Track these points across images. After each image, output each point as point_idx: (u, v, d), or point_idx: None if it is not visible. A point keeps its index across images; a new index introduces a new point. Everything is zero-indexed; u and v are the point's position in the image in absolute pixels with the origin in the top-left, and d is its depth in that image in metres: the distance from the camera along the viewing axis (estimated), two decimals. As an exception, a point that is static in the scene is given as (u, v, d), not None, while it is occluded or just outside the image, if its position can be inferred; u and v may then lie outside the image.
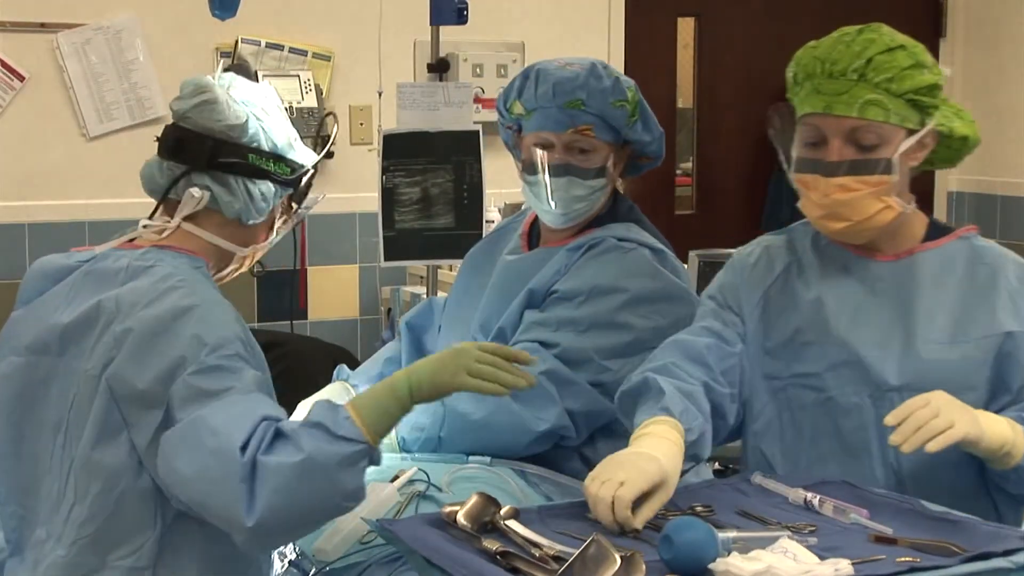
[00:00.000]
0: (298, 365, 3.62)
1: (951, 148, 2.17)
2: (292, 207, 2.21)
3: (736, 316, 2.24)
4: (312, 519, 1.87)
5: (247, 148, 2.08)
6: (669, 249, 2.59)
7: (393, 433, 2.47)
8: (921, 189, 6.10)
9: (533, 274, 2.55)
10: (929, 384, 1.98)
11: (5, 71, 4.14)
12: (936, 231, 2.19)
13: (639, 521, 1.80)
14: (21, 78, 4.17)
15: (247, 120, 2.09)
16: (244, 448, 1.77)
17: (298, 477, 1.77)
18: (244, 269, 2.24)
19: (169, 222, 2.09)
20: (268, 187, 2.11)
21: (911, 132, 2.09)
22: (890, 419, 1.90)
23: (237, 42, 4.35)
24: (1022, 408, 2.02)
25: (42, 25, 4.19)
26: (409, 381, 1.92)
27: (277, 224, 2.20)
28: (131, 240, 2.12)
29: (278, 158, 2.12)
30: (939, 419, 1.87)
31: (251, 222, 2.12)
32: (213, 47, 4.36)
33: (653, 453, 1.90)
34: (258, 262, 4.29)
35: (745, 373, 2.20)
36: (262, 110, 2.13)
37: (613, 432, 2.49)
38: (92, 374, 1.95)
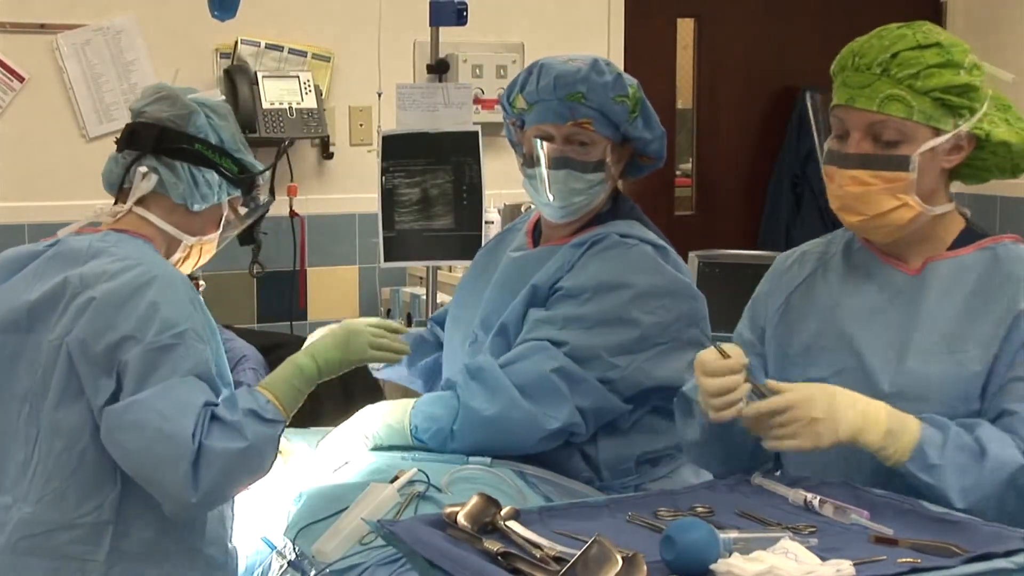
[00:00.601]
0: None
1: (997, 155, 2.11)
2: (240, 211, 2.34)
3: (756, 336, 2.26)
4: (239, 490, 2.14)
5: (194, 138, 2.23)
6: (670, 247, 2.60)
7: (406, 420, 2.49)
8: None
9: (536, 270, 2.56)
10: (919, 394, 1.99)
11: (5, 72, 4.14)
12: (968, 237, 2.13)
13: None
14: (21, 79, 4.17)
15: (195, 112, 2.24)
16: (193, 435, 1.99)
17: (241, 460, 2.04)
18: (191, 263, 2.33)
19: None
20: (213, 176, 2.24)
21: (940, 132, 2.05)
22: (748, 411, 1.98)
23: (237, 43, 4.35)
24: (960, 421, 1.98)
25: (42, 26, 4.19)
26: (316, 362, 2.21)
27: (223, 225, 2.31)
28: (91, 225, 2.26)
29: (225, 153, 2.26)
30: (785, 428, 1.95)
31: (196, 207, 2.24)
32: (213, 48, 4.36)
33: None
34: (257, 262, 4.31)
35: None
36: (212, 111, 2.27)
37: (617, 429, 2.50)
38: (55, 344, 2.08)
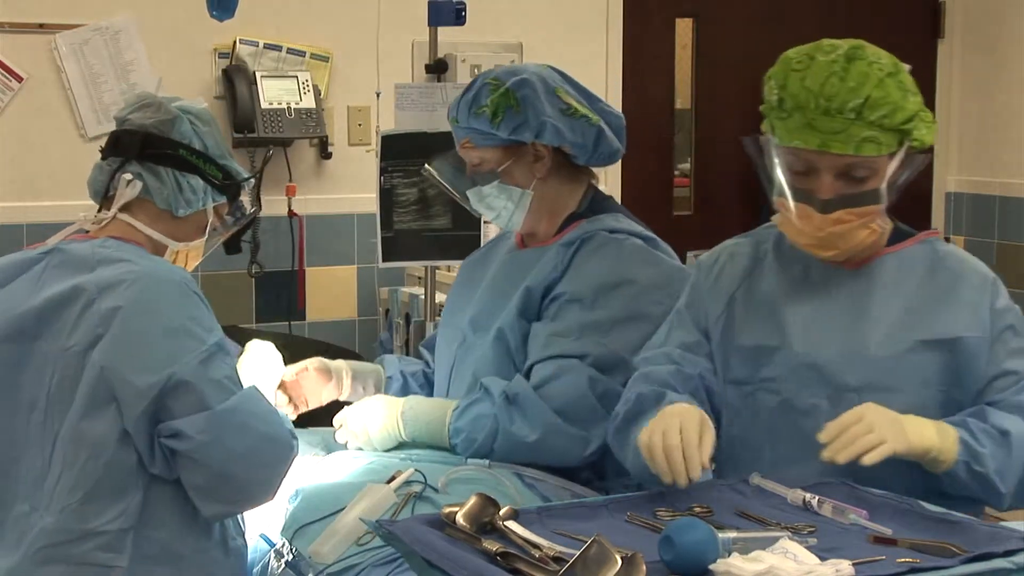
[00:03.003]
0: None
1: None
2: (225, 219, 2.35)
3: (702, 335, 2.28)
4: None
5: (178, 143, 2.23)
6: (655, 235, 2.61)
7: (445, 432, 2.50)
8: (919, 190, 6.04)
9: (527, 271, 2.55)
10: (888, 384, 2.05)
11: (3, 72, 4.14)
12: (899, 235, 2.21)
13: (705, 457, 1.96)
14: (19, 79, 4.16)
15: (178, 118, 2.24)
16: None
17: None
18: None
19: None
20: (197, 182, 2.25)
21: (894, 155, 2.10)
22: (823, 436, 1.97)
23: (235, 43, 4.34)
24: (969, 413, 2.06)
25: (40, 26, 4.18)
26: None
27: (208, 232, 2.32)
28: (80, 232, 2.25)
29: (208, 159, 2.26)
30: (872, 435, 1.94)
31: (181, 213, 2.24)
32: (211, 48, 4.36)
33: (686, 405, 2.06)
34: (256, 262, 4.30)
35: (714, 384, 2.24)
36: (196, 117, 2.27)
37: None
38: (76, 351, 2.07)
